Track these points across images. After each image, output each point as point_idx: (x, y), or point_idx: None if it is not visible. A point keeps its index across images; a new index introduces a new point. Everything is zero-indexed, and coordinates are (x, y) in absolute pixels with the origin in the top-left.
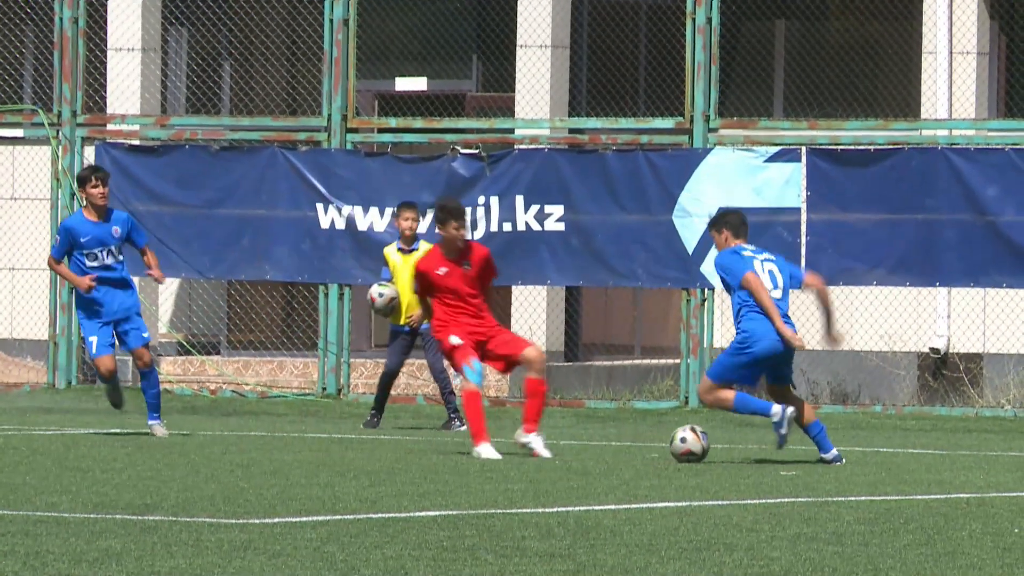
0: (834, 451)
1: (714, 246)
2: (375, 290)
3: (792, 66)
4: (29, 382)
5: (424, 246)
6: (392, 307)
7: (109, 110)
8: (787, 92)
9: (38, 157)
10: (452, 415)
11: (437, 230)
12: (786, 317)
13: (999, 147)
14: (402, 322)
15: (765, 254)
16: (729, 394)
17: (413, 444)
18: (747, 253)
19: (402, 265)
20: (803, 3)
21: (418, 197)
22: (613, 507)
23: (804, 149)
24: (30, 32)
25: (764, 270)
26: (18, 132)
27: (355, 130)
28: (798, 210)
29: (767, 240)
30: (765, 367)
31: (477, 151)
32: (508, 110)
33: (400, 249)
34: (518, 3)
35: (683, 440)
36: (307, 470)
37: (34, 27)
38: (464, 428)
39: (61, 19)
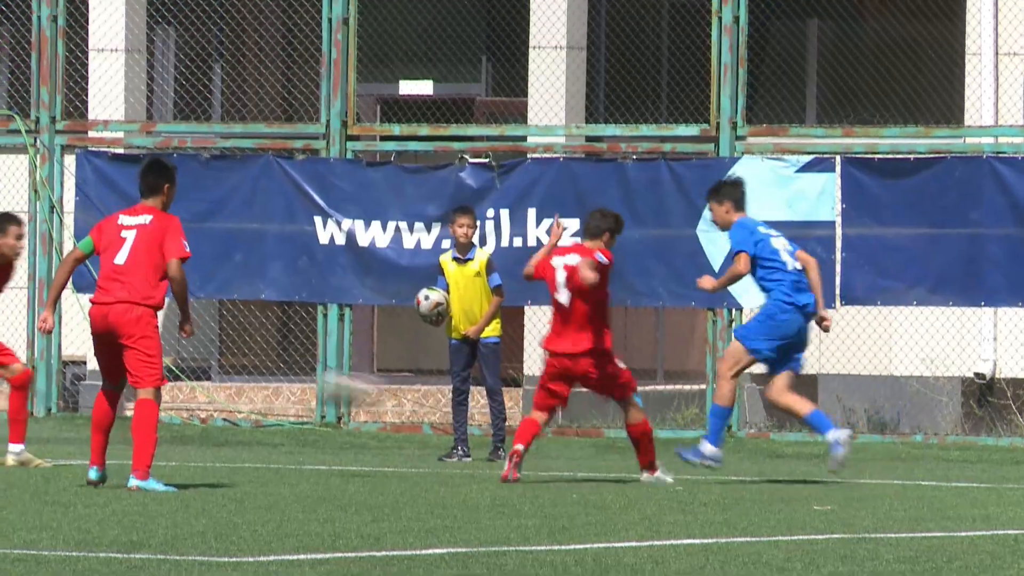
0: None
1: (712, 218)
2: (422, 293)
3: (826, 69)
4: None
5: (481, 254)
6: (439, 313)
7: (91, 116)
8: (820, 97)
9: (15, 167)
10: (498, 444)
11: (611, 237)
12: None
13: None
14: (455, 335)
15: (772, 229)
16: (803, 406)
17: (419, 477)
18: (763, 229)
19: (457, 274)
20: (838, 1)
21: (423, 210)
22: (635, 544)
23: (839, 158)
24: (5, 31)
25: (781, 247)
26: None
27: (356, 137)
28: (832, 224)
29: None
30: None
31: (487, 160)
32: (520, 116)
33: (455, 259)
34: (531, 1)
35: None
36: (305, 504)
37: (10, 26)
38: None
39: (39, 17)
